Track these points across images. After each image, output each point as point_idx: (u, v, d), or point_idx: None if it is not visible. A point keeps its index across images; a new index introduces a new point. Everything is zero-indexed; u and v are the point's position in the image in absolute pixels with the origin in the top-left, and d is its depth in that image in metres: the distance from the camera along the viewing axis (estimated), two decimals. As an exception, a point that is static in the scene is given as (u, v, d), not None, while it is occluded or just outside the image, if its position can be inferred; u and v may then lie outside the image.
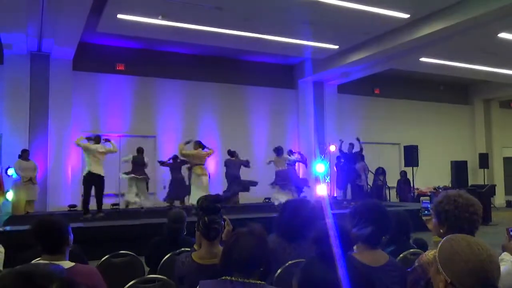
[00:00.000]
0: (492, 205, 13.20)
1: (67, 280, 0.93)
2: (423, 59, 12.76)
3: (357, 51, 12.13)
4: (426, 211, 2.53)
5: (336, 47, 12.19)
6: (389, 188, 13.90)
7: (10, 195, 9.78)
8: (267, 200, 12.68)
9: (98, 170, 8.80)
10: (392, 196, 14.25)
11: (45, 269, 0.93)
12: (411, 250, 3.19)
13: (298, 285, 1.22)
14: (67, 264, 2.29)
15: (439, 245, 1.50)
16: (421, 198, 2.63)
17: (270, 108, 14.23)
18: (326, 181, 13.15)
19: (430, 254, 2.27)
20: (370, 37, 11.38)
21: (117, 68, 12.30)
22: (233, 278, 2.04)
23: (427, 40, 10.55)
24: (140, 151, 10.23)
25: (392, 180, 14.25)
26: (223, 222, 2.71)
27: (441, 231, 2.19)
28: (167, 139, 12.43)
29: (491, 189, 14.41)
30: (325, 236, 1.33)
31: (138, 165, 10.06)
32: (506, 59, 12.99)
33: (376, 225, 2.40)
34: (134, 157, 10.13)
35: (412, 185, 13.82)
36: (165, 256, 3.36)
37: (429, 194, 13.04)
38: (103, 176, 8.87)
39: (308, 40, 11.65)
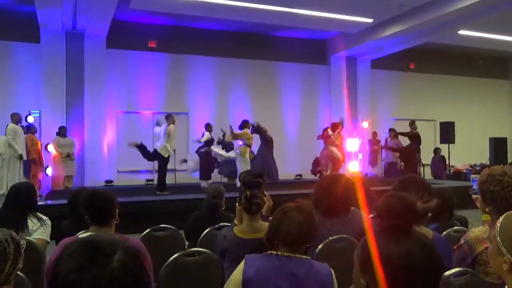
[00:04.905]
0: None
1: (130, 248, 0.95)
2: (461, 32, 12.28)
3: (392, 24, 11.75)
4: (476, 190, 2.45)
5: (370, 20, 11.84)
6: (423, 165, 13.62)
7: (49, 171, 10.15)
8: (298, 177, 12.74)
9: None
10: (427, 173, 13.98)
11: (110, 238, 0.95)
12: (455, 227, 3.12)
13: (361, 260, 1.19)
14: (114, 236, 2.34)
15: (499, 224, 1.42)
16: (472, 176, 2.54)
17: (302, 84, 14.07)
18: (358, 158, 13.01)
19: (477, 231, 2.21)
20: (406, 9, 10.98)
21: (149, 45, 12.35)
22: (279, 253, 2.04)
23: (467, 12, 10.10)
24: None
25: (426, 157, 13.94)
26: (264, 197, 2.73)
27: (486, 209, 2.12)
28: (199, 116, 12.51)
29: (531, 167, 13.89)
30: (390, 209, 1.29)
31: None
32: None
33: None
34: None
35: (447, 162, 13.51)
36: (205, 230, 3.41)
37: (465, 170, 12.75)
38: None
39: (341, 13, 11.37)
